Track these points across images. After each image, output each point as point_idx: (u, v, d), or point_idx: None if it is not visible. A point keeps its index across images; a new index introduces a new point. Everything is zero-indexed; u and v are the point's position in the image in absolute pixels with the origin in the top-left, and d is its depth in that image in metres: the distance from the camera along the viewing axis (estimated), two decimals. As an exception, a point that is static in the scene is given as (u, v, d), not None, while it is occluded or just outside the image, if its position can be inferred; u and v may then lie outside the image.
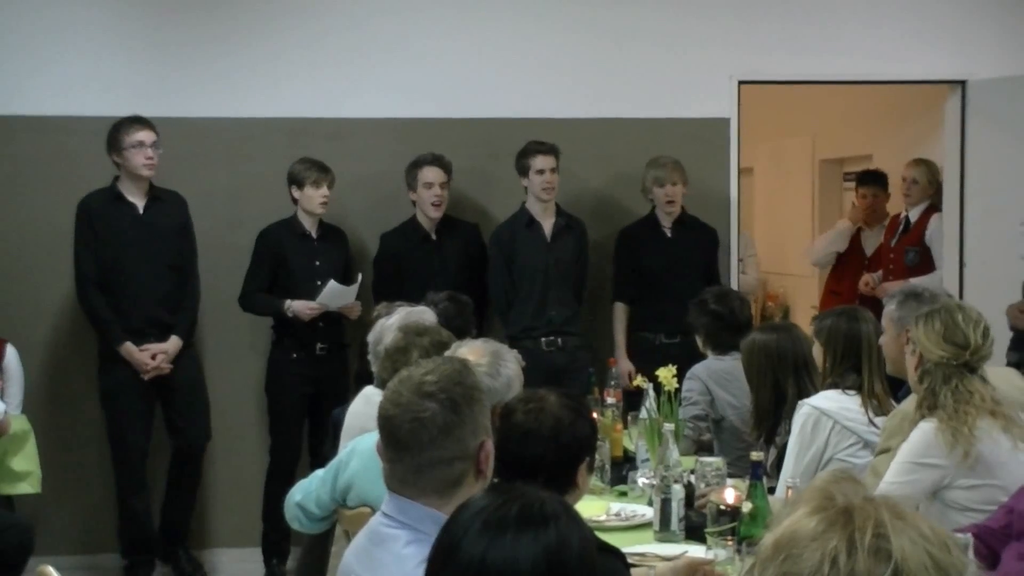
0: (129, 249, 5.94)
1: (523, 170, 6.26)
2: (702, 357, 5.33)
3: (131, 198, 5.98)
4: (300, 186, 6.13)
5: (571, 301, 6.36)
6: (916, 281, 6.32)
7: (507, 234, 6.36)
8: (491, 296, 6.38)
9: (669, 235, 6.46)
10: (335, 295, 6.02)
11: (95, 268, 5.91)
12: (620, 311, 6.48)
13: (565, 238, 6.36)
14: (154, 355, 5.88)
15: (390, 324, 4.31)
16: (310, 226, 6.21)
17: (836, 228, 8.00)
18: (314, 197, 6.12)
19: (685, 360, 5.13)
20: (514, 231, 6.35)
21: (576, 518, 1.89)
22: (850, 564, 1.44)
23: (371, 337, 4.37)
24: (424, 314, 4.42)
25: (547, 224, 6.35)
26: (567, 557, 1.82)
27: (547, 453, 2.84)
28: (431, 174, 6.20)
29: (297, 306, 6.04)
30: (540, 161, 6.22)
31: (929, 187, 7.16)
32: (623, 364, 6.20)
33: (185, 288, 6.09)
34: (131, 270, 5.93)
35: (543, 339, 6.23)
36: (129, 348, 5.88)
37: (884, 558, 1.44)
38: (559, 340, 6.25)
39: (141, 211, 6.00)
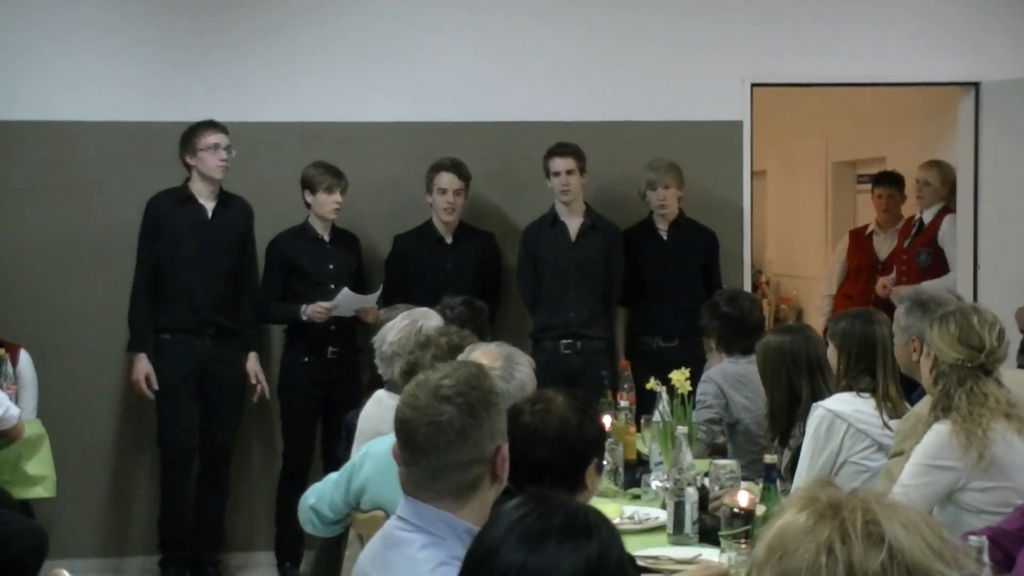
0: (192, 250, 6.04)
1: (545, 171, 6.26)
2: (701, 361, 5.31)
3: (201, 200, 6.08)
4: (313, 191, 6.14)
5: (593, 303, 6.27)
6: (928, 284, 6.31)
7: (533, 232, 6.35)
8: (521, 294, 6.38)
9: (665, 238, 6.43)
10: (349, 301, 6.03)
11: (149, 269, 6.03)
12: (619, 315, 6.46)
13: (590, 239, 6.31)
14: (148, 376, 5.99)
15: (392, 325, 4.32)
16: (322, 231, 6.22)
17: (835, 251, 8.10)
18: (327, 203, 6.13)
19: (683, 364, 5.07)
20: (539, 230, 6.34)
21: (615, 531, 1.88)
22: (846, 551, 1.45)
23: (375, 340, 4.38)
24: (427, 315, 4.41)
25: (572, 224, 6.32)
26: (607, 569, 1.82)
27: (553, 454, 2.84)
28: (446, 180, 6.20)
29: (311, 309, 6.06)
30: (557, 163, 6.22)
31: (942, 188, 7.15)
32: None
33: (242, 294, 6.15)
34: (191, 271, 6.03)
35: (561, 341, 6.20)
36: (139, 358, 6.01)
37: (877, 541, 1.45)
38: (578, 343, 6.20)
39: (209, 214, 6.08)
